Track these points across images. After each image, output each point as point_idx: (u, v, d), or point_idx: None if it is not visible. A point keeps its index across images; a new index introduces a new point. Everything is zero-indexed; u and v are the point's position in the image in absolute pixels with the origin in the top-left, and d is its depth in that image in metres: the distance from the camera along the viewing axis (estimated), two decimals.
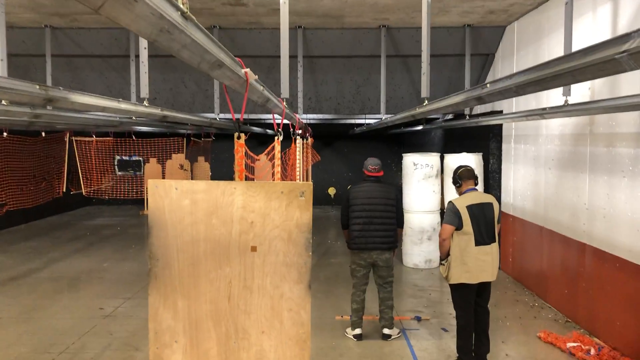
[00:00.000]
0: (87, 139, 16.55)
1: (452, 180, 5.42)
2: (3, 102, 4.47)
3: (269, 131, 15.37)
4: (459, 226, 5.03)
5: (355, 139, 18.29)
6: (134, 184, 17.80)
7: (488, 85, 3.48)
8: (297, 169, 7.32)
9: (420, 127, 13.01)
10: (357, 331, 6.24)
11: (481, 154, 9.54)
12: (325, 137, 18.42)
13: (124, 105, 4.67)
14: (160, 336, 2.39)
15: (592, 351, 5.55)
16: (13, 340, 6.15)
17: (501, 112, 9.05)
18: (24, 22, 9.00)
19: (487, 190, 9.58)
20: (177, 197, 2.35)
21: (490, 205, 5.17)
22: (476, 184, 5.33)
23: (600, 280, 6.11)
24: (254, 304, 2.39)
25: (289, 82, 4.90)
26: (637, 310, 5.40)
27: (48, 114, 5.47)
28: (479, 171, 9.26)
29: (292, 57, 9.33)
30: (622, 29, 5.60)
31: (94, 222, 15.30)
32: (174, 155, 16.53)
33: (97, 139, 16.69)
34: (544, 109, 5.86)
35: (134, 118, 7.43)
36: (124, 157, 17.96)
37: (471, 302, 5.16)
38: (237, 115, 11.27)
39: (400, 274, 9.08)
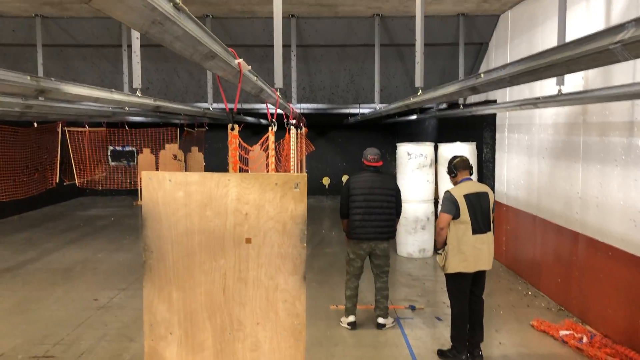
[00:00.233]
0: (79, 129, 16.46)
1: (447, 170, 5.42)
2: None
3: (263, 121, 15.33)
4: (456, 215, 5.05)
5: (349, 128, 18.28)
6: (128, 175, 17.75)
7: (482, 75, 3.48)
8: (292, 160, 7.31)
9: (414, 117, 13.00)
10: (351, 318, 6.27)
11: (475, 143, 9.56)
12: (319, 126, 18.39)
13: (116, 96, 4.64)
14: (156, 328, 2.39)
15: (585, 339, 5.60)
16: (7, 331, 6.14)
17: (495, 101, 9.05)
18: (14, 11, 8.90)
19: (480, 179, 9.61)
20: (171, 189, 2.34)
21: (485, 194, 5.20)
22: (471, 174, 5.34)
23: (592, 268, 6.15)
24: (249, 296, 2.39)
25: (282, 71, 4.88)
26: (628, 299, 5.45)
27: (40, 105, 5.42)
28: (473, 161, 9.28)
29: (286, 46, 9.28)
30: (615, 18, 5.60)
31: (88, 212, 15.25)
32: (167, 146, 16.46)
33: (90, 129, 16.61)
34: (538, 98, 5.87)
35: (127, 108, 7.38)
36: (117, 148, 17.88)
37: (466, 292, 5.18)
38: (230, 106, 11.23)
39: (395, 263, 9.11)
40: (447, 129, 12.74)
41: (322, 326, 6.25)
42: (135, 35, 5.66)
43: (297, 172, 9.16)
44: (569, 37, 5.59)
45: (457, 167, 5.29)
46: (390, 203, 6.17)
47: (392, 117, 14.78)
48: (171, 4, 1.38)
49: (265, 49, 10.05)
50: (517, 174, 8.45)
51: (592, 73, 6.06)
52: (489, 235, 5.16)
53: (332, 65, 10.76)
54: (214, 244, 2.37)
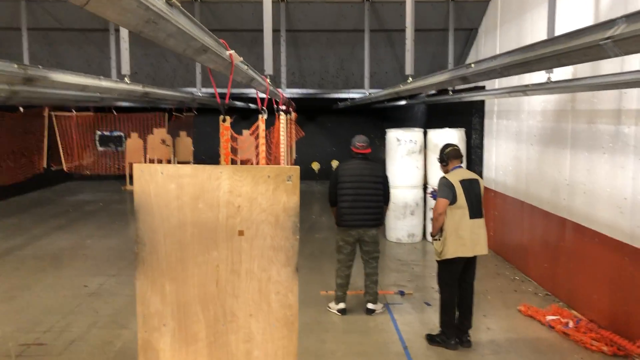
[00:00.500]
0: (66, 114, 16.28)
1: (438, 159, 5.45)
2: None
3: (252, 105, 15.24)
4: (452, 200, 5.09)
5: (338, 113, 18.23)
6: (116, 160, 17.62)
7: (473, 65, 3.49)
8: (282, 146, 7.30)
9: (403, 102, 12.99)
10: (341, 305, 6.33)
11: (464, 129, 9.59)
12: (308, 111, 18.32)
13: (105, 83, 4.60)
14: (149, 320, 2.41)
15: (571, 324, 5.70)
16: None
17: (484, 87, 9.06)
18: None
19: (469, 165, 9.66)
20: (163, 181, 2.33)
21: (477, 181, 5.27)
22: (462, 162, 5.39)
23: (579, 254, 6.24)
24: (242, 288, 2.41)
25: (272, 55, 4.85)
26: (614, 284, 5.54)
27: (26, 90, 5.36)
28: (461, 147, 9.31)
29: (275, 31, 9.20)
30: (605, 4, 5.61)
31: (76, 197, 15.15)
32: (155, 130, 16.34)
33: (77, 114, 16.43)
34: (527, 85, 5.89)
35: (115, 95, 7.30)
36: (105, 133, 17.73)
37: (457, 279, 5.25)
38: (222, 91, 11.16)
39: (384, 248, 9.16)
40: (436, 114, 12.76)
41: (312, 312, 6.29)
42: None
43: (287, 158, 9.16)
44: (559, 24, 5.60)
45: (448, 156, 5.33)
46: (379, 190, 6.20)
47: (382, 102, 14.76)
48: (164, 1, 1.37)
49: (254, 33, 9.96)
50: (505, 160, 8.51)
51: None
52: (483, 221, 5.25)
53: (321, 51, 10.71)
54: (206, 237, 2.37)
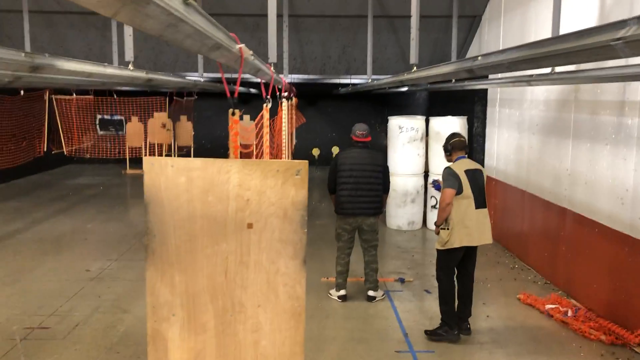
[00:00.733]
0: (67, 97, 16.23)
1: (443, 148, 5.45)
2: None
3: (253, 90, 15.20)
4: (458, 190, 5.10)
5: (339, 98, 18.17)
6: (117, 144, 17.60)
7: (480, 58, 3.49)
8: (284, 134, 7.31)
9: (405, 89, 12.96)
10: (342, 292, 6.39)
11: (466, 117, 9.59)
12: (309, 96, 18.25)
13: (109, 70, 4.60)
14: (158, 310, 2.44)
15: (570, 312, 5.76)
16: (2, 302, 6.18)
17: (487, 76, 9.05)
18: None
19: (471, 153, 9.67)
20: (173, 174, 2.36)
21: (480, 172, 5.29)
22: (466, 154, 5.39)
23: (579, 244, 6.29)
24: (250, 279, 2.44)
25: (268, 39, 4.83)
26: (613, 274, 5.59)
27: (29, 75, 5.35)
28: (463, 135, 9.32)
29: (278, 16, 9.16)
30: None
31: (76, 181, 15.17)
32: (155, 114, 16.29)
33: (78, 97, 16.38)
34: (531, 75, 5.88)
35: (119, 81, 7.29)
36: (105, 117, 17.69)
37: (455, 267, 5.30)
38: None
39: (384, 235, 9.21)
40: (438, 102, 12.75)
41: (312, 298, 6.35)
42: None
43: (289, 145, 9.16)
44: (565, 13, 5.58)
45: (453, 146, 5.33)
46: (378, 179, 6.22)
47: (383, 89, 14.73)
48: (181, 1, 1.38)
49: (256, 18, 9.92)
50: (507, 149, 8.53)
51: None
52: (487, 211, 5.28)
53: (324, 36, 10.67)
54: (215, 229, 2.40)
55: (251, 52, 2.54)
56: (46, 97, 15.17)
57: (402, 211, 9.68)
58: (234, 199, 2.38)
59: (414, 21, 5.28)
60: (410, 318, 5.89)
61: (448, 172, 5.20)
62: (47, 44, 10.46)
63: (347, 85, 13.21)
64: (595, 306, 5.85)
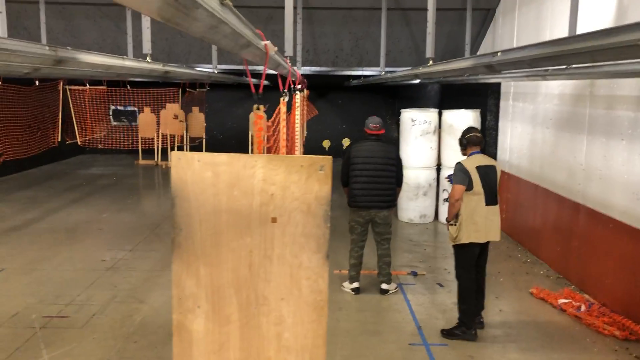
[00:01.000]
0: (80, 87, 16.33)
1: (459, 141, 5.44)
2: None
3: (265, 82, 15.21)
4: (469, 186, 5.09)
5: (350, 90, 18.13)
6: (129, 134, 17.70)
7: (499, 54, 3.49)
8: (297, 126, 7.32)
9: (417, 81, 12.92)
10: (355, 285, 6.43)
11: (479, 110, 9.56)
12: (319, 88, 18.24)
13: (128, 63, 4.64)
14: (184, 302, 2.49)
15: (583, 307, 5.78)
16: (19, 291, 6.28)
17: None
18: None
19: (484, 147, 9.66)
20: (200, 169, 2.39)
21: (493, 168, 5.27)
22: (482, 149, 5.36)
23: (593, 239, 6.29)
24: (274, 273, 2.48)
25: (285, 33, 4.85)
26: (627, 269, 5.59)
27: (49, 67, 5.40)
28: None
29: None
30: None
31: (89, 171, 15.29)
32: (168, 105, 16.37)
33: (91, 87, 16.48)
34: (547, 70, 5.86)
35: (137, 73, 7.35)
36: (119, 107, 17.78)
37: (473, 264, 5.27)
38: (233, 68, 11.15)
39: (396, 228, 9.24)
40: (450, 94, 12.72)
41: None
42: None
43: (301, 137, 9.18)
44: (582, 7, 5.55)
45: (469, 141, 5.31)
46: (391, 172, 6.24)
47: (395, 81, 14.69)
48: (218, 2, 1.41)
49: (269, 10, 9.92)
50: (520, 143, 8.51)
51: None
52: (498, 208, 5.26)
53: (336, 28, 10.65)
54: (240, 223, 2.44)
55: (276, 48, 2.57)
56: (60, 87, 15.28)
57: (414, 204, 9.70)
58: (258, 193, 2.42)
59: (431, 16, 5.28)
60: (423, 311, 5.92)
61: (459, 167, 5.19)
62: (62, 35, 10.53)
63: (358, 77, 13.19)
64: (608, 301, 5.86)
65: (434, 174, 9.77)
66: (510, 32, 8.75)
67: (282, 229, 2.45)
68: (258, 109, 2.43)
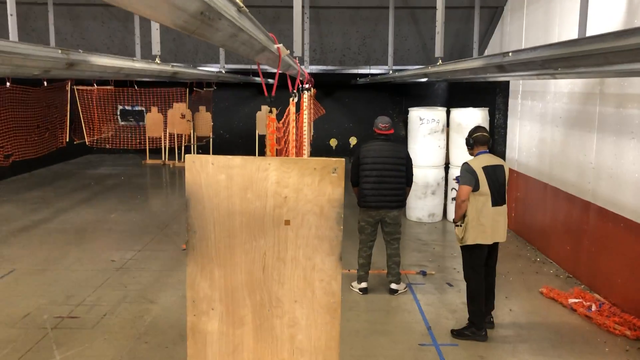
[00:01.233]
0: (88, 88, 16.40)
1: (465, 141, 5.41)
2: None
3: (270, 80, 15.22)
4: (475, 187, 5.06)
5: (356, 88, 18.10)
6: (137, 134, 17.76)
7: (510, 54, 3.48)
8: (304, 126, 7.33)
9: (424, 79, 12.90)
10: (363, 285, 6.43)
11: (487, 109, 9.53)
12: (326, 86, 18.22)
13: (138, 65, 4.66)
14: (198, 304, 2.50)
15: (593, 307, 5.75)
16: (31, 291, 6.32)
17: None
18: None
19: (492, 145, 9.63)
20: (213, 171, 2.40)
21: (501, 167, 5.23)
22: (488, 148, 5.33)
23: (603, 238, 6.26)
24: (287, 275, 2.49)
25: (294, 35, 4.85)
26: (638, 268, 5.56)
27: (60, 70, 5.43)
28: (485, 126, 9.28)
29: None
30: None
31: (97, 171, 15.36)
32: (175, 105, 16.41)
33: (98, 87, 16.55)
34: (557, 68, 5.82)
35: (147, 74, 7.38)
36: (126, 107, 17.85)
37: (483, 265, 5.24)
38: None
39: (404, 227, 9.23)
40: (458, 92, 12.68)
41: None
42: None
43: (308, 137, 9.18)
44: (592, 5, 5.52)
45: (476, 140, 5.27)
46: (401, 172, 6.23)
47: (401, 78, 14.65)
48: (235, 8, 1.41)
49: (276, 9, 9.93)
50: (529, 141, 8.48)
51: None
52: (505, 208, 5.23)
53: (344, 27, 10.65)
54: (254, 225, 2.45)
55: (288, 51, 2.58)
56: (68, 88, 15.35)
57: (422, 203, 9.68)
58: (272, 196, 2.42)
59: (440, 15, 5.26)
60: (433, 311, 5.92)
61: (465, 168, 5.14)
62: (70, 37, 10.58)
63: (366, 75, 13.18)
64: (619, 301, 5.83)
65: (442, 172, 9.76)
66: (519, 30, 8.71)
67: (296, 231, 2.46)
68: (271, 111, 2.43)
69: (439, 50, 5.39)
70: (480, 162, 5.16)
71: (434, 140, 9.56)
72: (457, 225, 5.18)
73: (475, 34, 9.24)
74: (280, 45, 2.39)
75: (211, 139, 17.02)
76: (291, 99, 4.47)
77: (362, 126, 18.04)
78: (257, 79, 13.95)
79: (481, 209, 5.09)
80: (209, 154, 16.31)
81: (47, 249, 7.99)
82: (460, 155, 8.60)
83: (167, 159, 16.48)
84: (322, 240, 2.46)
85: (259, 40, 1.67)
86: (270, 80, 15.08)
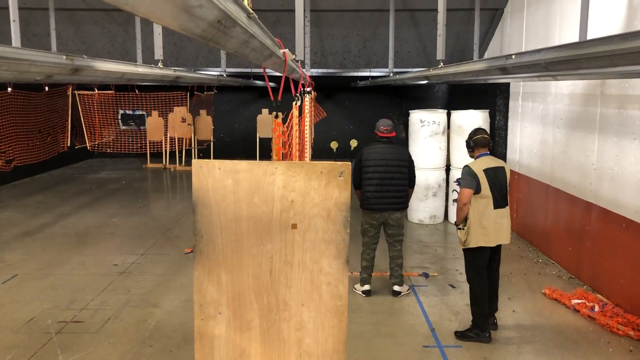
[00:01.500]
0: (89, 92, 16.43)
1: (466, 144, 5.41)
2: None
3: (271, 84, 15.25)
4: (477, 190, 5.06)
5: (357, 91, 18.15)
6: (138, 138, 17.78)
7: (514, 56, 3.49)
8: (306, 129, 7.34)
9: (425, 82, 12.92)
10: (366, 287, 6.44)
11: (488, 110, 9.55)
12: (326, 89, 18.25)
13: (141, 69, 4.67)
14: (205, 308, 2.51)
15: (596, 308, 5.76)
16: (34, 296, 6.32)
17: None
18: None
19: (493, 147, 9.65)
20: (220, 176, 2.42)
21: (502, 169, 5.23)
22: (489, 150, 5.34)
23: (605, 239, 6.27)
24: (294, 278, 2.50)
25: (295, 38, 4.87)
26: None
27: (63, 75, 5.45)
28: (485, 128, 9.29)
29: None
30: None
31: (98, 175, 15.37)
32: (175, 109, 16.44)
33: (99, 92, 16.58)
34: (561, 71, 5.84)
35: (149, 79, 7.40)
36: (127, 111, 17.87)
37: (485, 266, 5.24)
38: (239, 70, 11.18)
39: (406, 229, 9.20)
40: (458, 94, 12.70)
41: None
42: None
43: (310, 140, 9.19)
44: (593, 7, 5.54)
45: (476, 143, 5.27)
46: (403, 174, 6.25)
47: (401, 80, 14.67)
48: (245, 14, 1.43)
49: (277, 13, 9.95)
50: (530, 143, 8.49)
51: None
52: (507, 210, 5.23)
53: (344, 30, 10.67)
54: (261, 229, 2.46)
55: (294, 56, 2.59)
56: (69, 92, 15.37)
57: (423, 205, 9.70)
58: (278, 200, 2.44)
59: (441, 18, 5.28)
60: (436, 313, 5.92)
61: (466, 171, 5.14)
62: (71, 41, 10.60)
63: (366, 78, 13.21)
64: (622, 301, 5.84)
65: (443, 174, 9.77)
66: (519, 32, 8.74)
67: (303, 235, 2.48)
68: (277, 116, 2.44)
69: (440, 53, 5.40)
70: (481, 164, 5.16)
71: (435, 142, 9.58)
72: (460, 228, 5.18)
73: (476, 36, 9.27)
74: (286, 50, 2.41)
75: (212, 143, 17.04)
76: (294, 103, 4.48)
77: (362, 129, 18.08)
78: (257, 82, 13.98)
79: (483, 211, 5.09)
80: (209, 157, 16.35)
81: (50, 253, 7.99)
82: (461, 157, 8.62)
83: (168, 163, 16.49)
84: (329, 243, 2.48)
85: (267, 46, 1.68)
86: (272, 84, 15.11)
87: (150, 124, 16.33)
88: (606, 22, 5.97)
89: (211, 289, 2.50)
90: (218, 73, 9.94)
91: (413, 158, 9.24)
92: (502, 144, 9.59)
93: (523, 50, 7.00)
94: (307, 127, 7.74)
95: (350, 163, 2.43)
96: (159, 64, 5.28)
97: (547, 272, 7.21)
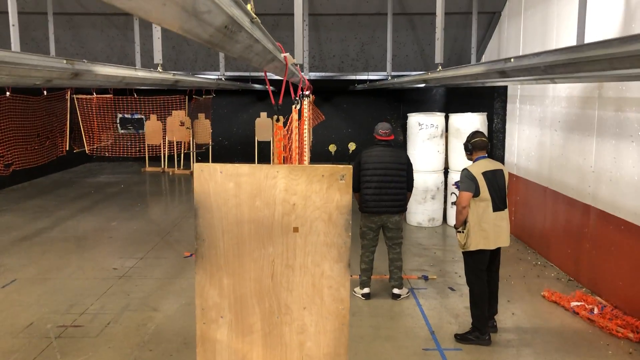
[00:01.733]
0: (87, 96, 16.43)
1: (464, 147, 5.42)
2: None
3: (271, 87, 15.25)
4: (476, 193, 5.07)
5: (354, 94, 18.18)
6: (136, 142, 17.78)
7: (512, 60, 3.51)
8: (305, 132, 7.35)
9: (422, 85, 12.95)
10: (366, 290, 6.44)
11: (486, 113, 9.57)
12: (324, 92, 18.28)
13: (140, 73, 4.68)
14: (207, 312, 2.51)
15: (595, 310, 5.77)
16: (33, 301, 6.31)
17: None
18: None
19: (490, 150, 9.67)
20: (222, 180, 2.42)
21: (501, 172, 5.24)
22: (487, 152, 5.36)
23: (604, 241, 6.28)
24: (296, 282, 2.51)
25: (294, 42, 4.88)
26: (639, 271, 5.58)
27: (63, 79, 5.45)
28: (483, 131, 9.32)
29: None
30: None
31: (97, 179, 15.36)
32: (174, 112, 16.44)
33: (98, 96, 16.58)
34: (560, 74, 5.86)
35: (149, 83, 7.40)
36: (125, 115, 17.88)
37: (485, 269, 5.25)
38: (236, 74, 11.20)
39: (405, 232, 9.23)
40: (456, 97, 12.72)
41: None
42: None
43: (308, 143, 9.20)
44: (590, 10, 5.56)
45: (474, 146, 5.29)
46: (402, 177, 6.27)
47: (399, 83, 14.70)
48: (248, 18, 1.44)
49: (275, 17, 9.97)
50: (528, 146, 8.51)
51: None
52: (506, 212, 5.24)
53: (342, 34, 10.70)
54: (262, 233, 2.47)
55: (294, 60, 2.60)
56: (67, 96, 15.37)
57: (422, 208, 9.71)
58: (280, 203, 2.44)
59: (439, 21, 5.30)
60: (435, 315, 5.93)
61: (465, 174, 5.14)
62: (69, 45, 10.61)
63: (364, 81, 13.23)
64: (621, 304, 5.85)
65: (441, 177, 9.79)
66: (517, 35, 8.77)
67: (304, 238, 2.48)
68: (278, 120, 2.45)
69: (438, 57, 5.42)
70: (480, 167, 5.17)
71: (433, 145, 9.60)
72: (459, 231, 5.19)
73: (473, 40, 9.30)
74: (287, 54, 2.42)
75: (210, 146, 17.04)
76: (293, 106, 4.49)
77: (360, 132, 18.11)
78: (256, 85, 13.99)
79: (482, 214, 5.10)
80: (208, 161, 16.34)
81: (49, 257, 7.99)
82: (460, 159, 8.63)
83: (166, 167, 16.49)
84: (331, 247, 2.48)
85: (269, 50, 1.70)
86: (272, 88, 15.14)
87: (148, 128, 16.33)
88: (603, 26, 6.00)
89: (213, 292, 2.50)
90: (216, 77, 9.96)
91: (412, 161, 9.28)
92: (500, 147, 9.61)
93: (521, 54, 7.03)
94: (305, 131, 7.75)
95: (351, 166, 2.44)
96: (159, 67, 5.29)
97: (546, 274, 7.23)
